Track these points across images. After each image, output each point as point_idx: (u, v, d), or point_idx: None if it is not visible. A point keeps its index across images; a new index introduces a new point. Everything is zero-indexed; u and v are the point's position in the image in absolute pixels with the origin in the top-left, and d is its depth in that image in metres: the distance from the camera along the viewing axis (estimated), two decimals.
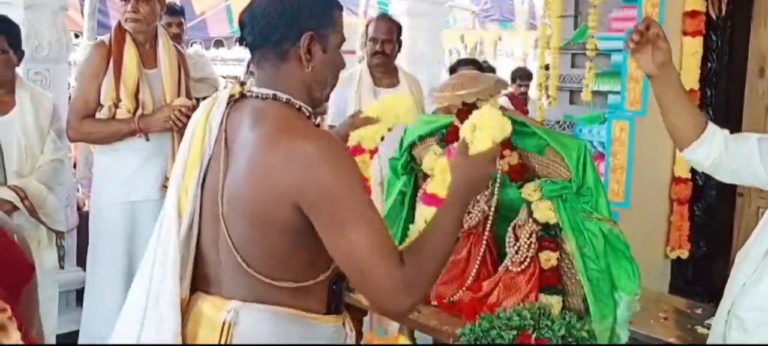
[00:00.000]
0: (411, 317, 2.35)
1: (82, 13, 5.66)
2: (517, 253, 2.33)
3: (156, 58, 3.35)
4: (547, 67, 4.51)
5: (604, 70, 4.07)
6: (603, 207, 2.27)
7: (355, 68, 4.05)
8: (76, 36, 6.26)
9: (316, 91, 1.65)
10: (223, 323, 1.57)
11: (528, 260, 2.31)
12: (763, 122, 3.80)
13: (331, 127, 4.01)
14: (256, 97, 1.62)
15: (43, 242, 3.25)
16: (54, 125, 3.30)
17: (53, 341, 3.36)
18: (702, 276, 3.87)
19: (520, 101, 6.64)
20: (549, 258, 2.29)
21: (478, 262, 2.44)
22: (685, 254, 3.84)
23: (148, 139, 3.27)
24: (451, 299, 2.42)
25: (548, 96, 4.44)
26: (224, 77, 8.14)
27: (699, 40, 3.71)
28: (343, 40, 1.68)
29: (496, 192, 2.40)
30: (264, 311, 1.58)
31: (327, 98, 1.72)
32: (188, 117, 2.62)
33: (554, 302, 2.25)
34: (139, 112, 3.25)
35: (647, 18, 2.03)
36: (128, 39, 3.27)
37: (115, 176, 3.32)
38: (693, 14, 3.68)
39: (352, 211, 1.47)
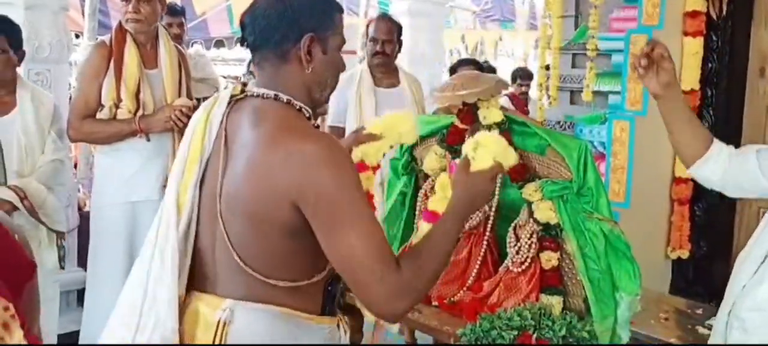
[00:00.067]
0: (412, 318, 2.35)
1: (83, 14, 5.66)
2: (517, 253, 2.33)
3: (157, 59, 3.35)
4: (547, 68, 4.51)
5: (604, 70, 4.07)
6: (604, 207, 2.27)
7: (356, 68, 4.05)
8: (77, 36, 6.27)
9: (316, 93, 1.66)
10: (218, 322, 1.58)
11: (529, 260, 2.31)
12: (763, 122, 3.80)
13: (332, 127, 4.02)
14: (257, 96, 1.62)
15: (43, 242, 3.25)
16: (55, 125, 3.29)
17: (54, 341, 3.36)
18: (702, 276, 3.87)
19: (520, 101, 6.63)
20: (550, 258, 2.29)
21: (478, 262, 2.44)
22: (685, 254, 3.84)
23: (148, 140, 3.27)
24: (452, 299, 2.42)
25: (549, 96, 4.44)
26: (225, 77, 8.15)
27: (699, 41, 3.71)
28: (344, 42, 1.69)
29: (496, 192, 2.40)
30: (259, 310, 1.59)
31: (327, 100, 1.73)
32: (189, 117, 2.62)
33: (555, 302, 2.25)
34: (140, 112, 3.25)
35: (653, 40, 2.04)
36: (129, 39, 3.27)
37: (115, 176, 3.32)
38: (693, 14, 3.68)
39: (350, 213, 1.48)
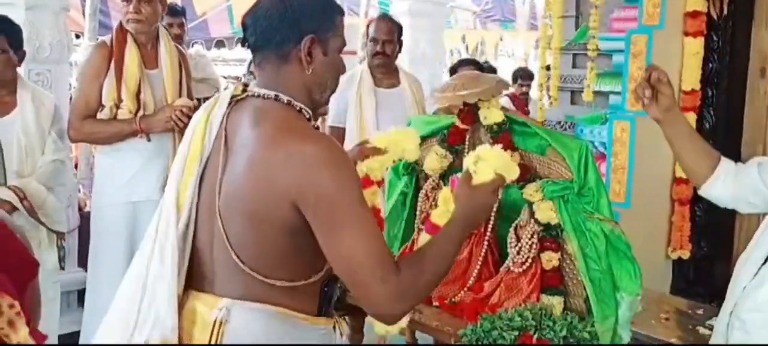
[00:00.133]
0: (413, 318, 2.35)
1: (84, 14, 5.67)
2: (518, 253, 2.33)
3: (157, 59, 3.35)
4: (548, 68, 4.51)
5: (605, 70, 4.07)
6: (604, 207, 2.27)
7: (356, 69, 4.05)
8: (78, 36, 6.27)
9: (316, 94, 1.67)
10: (215, 321, 1.58)
11: (529, 260, 2.31)
12: (764, 123, 3.80)
13: (332, 127, 4.02)
14: (258, 97, 1.63)
15: (43, 243, 3.25)
16: (55, 126, 3.29)
17: (55, 341, 3.36)
18: (703, 277, 3.86)
19: (521, 102, 6.64)
20: (551, 259, 2.28)
21: (479, 262, 2.44)
22: (686, 254, 3.83)
23: (149, 140, 3.27)
24: (453, 299, 2.42)
25: (549, 96, 4.44)
26: (225, 78, 8.17)
27: (700, 41, 3.71)
28: (344, 44, 1.70)
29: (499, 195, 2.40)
30: (256, 310, 1.59)
31: (327, 101, 1.74)
32: (189, 117, 2.61)
33: (556, 302, 2.25)
34: (141, 112, 3.25)
35: (651, 66, 2.07)
36: (129, 39, 3.27)
37: (116, 176, 3.32)
38: (694, 15, 3.68)
39: (350, 215, 1.49)
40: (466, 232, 1.71)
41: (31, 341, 1.26)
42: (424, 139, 2.60)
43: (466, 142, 2.53)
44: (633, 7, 3.78)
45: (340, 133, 3.95)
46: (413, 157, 2.29)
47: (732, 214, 3.91)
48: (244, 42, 1.67)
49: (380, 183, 2.18)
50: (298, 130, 1.57)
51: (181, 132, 3.13)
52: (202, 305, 1.62)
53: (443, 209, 1.80)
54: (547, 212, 2.28)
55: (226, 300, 1.59)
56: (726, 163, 2.05)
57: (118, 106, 3.23)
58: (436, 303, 2.44)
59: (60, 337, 3.54)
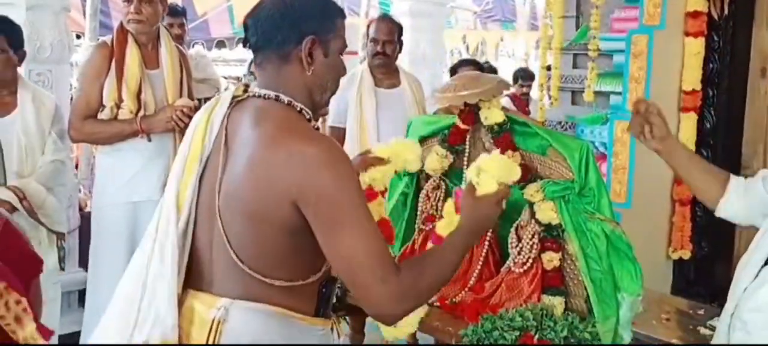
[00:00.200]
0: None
1: (84, 14, 5.66)
2: (519, 254, 2.33)
3: (158, 59, 3.35)
4: (548, 68, 4.50)
5: (606, 70, 4.06)
6: (605, 208, 2.27)
7: (356, 69, 4.05)
8: (78, 37, 6.28)
9: (317, 95, 1.67)
10: (213, 321, 1.59)
11: (530, 260, 2.31)
12: (765, 123, 3.79)
13: (332, 128, 4.02)
14: (259, 97, 1.64)
15: (43, 243, 3.24)
16: (56, 126, 3.29)
17: (55, 341, 3.36)
18: (704, 277, 3.86)
19: (521, 102, 6.64)
20: (551, 259, 2.28)
21: (480, 263, 2.44)
22: (687, 254, 3.83)
23: (150, 140, 3.27)
24: (454, 299, 2.42)
25: (550, 96, 4.43)
26: (226, 78, 8.17)
27: (701, 41, 3.70)
28: (345, 46, 1.71)
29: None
30: (254, 309, 1.59)
31: (327, 103, 1.75)
32: (190, 117, 2.62)
33: (557, 302, 2.25)
34: (141, 112, 3.25)
35: (637, 101, 2.09)
36: (130, 39, 3.28)
37: (117, 176, 3.32)
38: (695, 15, 3.68)
39: (350, 215, 1.50)
40: (470, 242, 1.73)
41: (39, 337, 1.27)
42: (424, 139, 2.60)
43: (467, 143, 2.53)
44: (634, 7, 3.77)
45: (340, 133, 3.95)
46: (415, 168, 2.33)
47: None
48: (245, 42, 1.67)
49: (384, 193, 2.21)
50: (299, 130, 1.58)
51: (182, 132, 3.13)
52: (201, 305, 1.62)
53: (448, 221, 1.84)
54: (548, 213, 2.28)
55: (225, 300, 1.60)
56: (735, 179, 2.05)
57: (118, 107, 3.23)
58: (436, 303, 2.44)
59: (60, 337, 3.53)
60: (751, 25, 3.82)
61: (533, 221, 2.31)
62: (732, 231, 3.90)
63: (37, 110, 3.23)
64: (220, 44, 8.69)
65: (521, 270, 2.31)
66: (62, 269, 3.47)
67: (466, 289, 2.42)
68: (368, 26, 4.16)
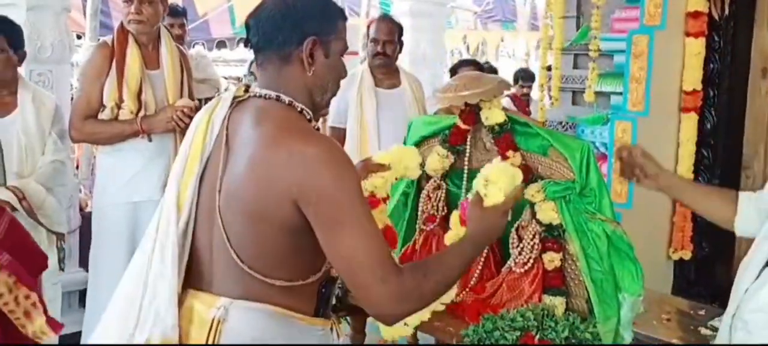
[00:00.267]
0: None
1: (85, 14, 5.66)
2: (520, 254, 2.33)
3: (158, 59, 3.35)
4: (549, 68, 4.50)
5: (606, 70, 4.06)
6: (606, 208, 2.27)
7: (357, 69, 4.06)
8: (79, 37, 6.27)
9: (317, 96, 1.68)
10: (213, 320, 1.59)
11: (531, 261, 2.31)
12: (765, 123, 3.79)
13: (332, 128, 4.02)
14: (259, 97, 1.64)
15: (43, 244, 3.23)
16: (56, 126, 3.29)
17: (56, 341, 3.36)
18: (704, 277, 3.86)
19: (522, 102, 6.64)
20: (552, 259, 2.28)
21: (481, 263, 2.44)
22: (687, 255, 3.83)
23: (150, 140, 3.28)
24: (454, 299, 2.42)
25: (551, 97, 4.43)
26: (226, 78, 8.16)
27: (701, 41, 3.70)
28: (346, 48, 1.72)
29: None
30: (254, 309, 1.60)
31: (327, 104, 1.75)
32: (191, 118, 2.62)
33: (558, 303, 2.25)
34: (142, 112, 3.25)
35: (620, 148, 2.10)
36: (131, 40, 3.28)
37: (117, 176, 3.32)
38: (695, 15, 3.67)
39: (351, 215, 1.50)
40: (476, 251, 1.75)
41: (48, 330, 1.28)
42: (425, 139, 2.60)
43: (468, 143, 2.52)
44: (634, 7, 3.77)
45: (340, 133, 3.95)
46: (415, 176, 2.33)
47: None
48: (247, 42, 1.68)
49: (386, 200, 2.21)
50: (300, 130, 1.58)
51: (183, 132, 3.14)
52: (200, 304, 1.63)
53: (454, 233, 1.87)
54: (548, 213, 2.28)
55: (224, 299, 1.60)
56: (743, 195, 2.05)
57: (119, 107, 3.23)
58: (441, 307, 2.44)
59: (61, 337, 3.52)
60: (752, 26, 3.82)
61: (534, 221, 2.31)
62: (732, 232, 3.90)
63: (38, 110, 3.23)
64: (221, 44, 8.70)
65: (522, 270, 2.31)
66: (62, 269, 3.47)
67: (467, 289, 2.42)
68: (368, 26, 4.17)
